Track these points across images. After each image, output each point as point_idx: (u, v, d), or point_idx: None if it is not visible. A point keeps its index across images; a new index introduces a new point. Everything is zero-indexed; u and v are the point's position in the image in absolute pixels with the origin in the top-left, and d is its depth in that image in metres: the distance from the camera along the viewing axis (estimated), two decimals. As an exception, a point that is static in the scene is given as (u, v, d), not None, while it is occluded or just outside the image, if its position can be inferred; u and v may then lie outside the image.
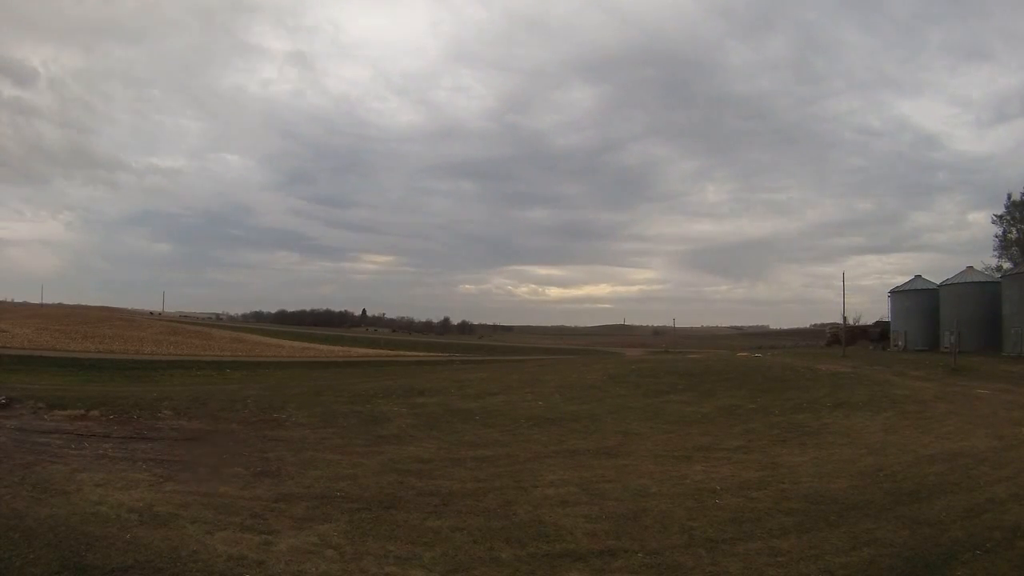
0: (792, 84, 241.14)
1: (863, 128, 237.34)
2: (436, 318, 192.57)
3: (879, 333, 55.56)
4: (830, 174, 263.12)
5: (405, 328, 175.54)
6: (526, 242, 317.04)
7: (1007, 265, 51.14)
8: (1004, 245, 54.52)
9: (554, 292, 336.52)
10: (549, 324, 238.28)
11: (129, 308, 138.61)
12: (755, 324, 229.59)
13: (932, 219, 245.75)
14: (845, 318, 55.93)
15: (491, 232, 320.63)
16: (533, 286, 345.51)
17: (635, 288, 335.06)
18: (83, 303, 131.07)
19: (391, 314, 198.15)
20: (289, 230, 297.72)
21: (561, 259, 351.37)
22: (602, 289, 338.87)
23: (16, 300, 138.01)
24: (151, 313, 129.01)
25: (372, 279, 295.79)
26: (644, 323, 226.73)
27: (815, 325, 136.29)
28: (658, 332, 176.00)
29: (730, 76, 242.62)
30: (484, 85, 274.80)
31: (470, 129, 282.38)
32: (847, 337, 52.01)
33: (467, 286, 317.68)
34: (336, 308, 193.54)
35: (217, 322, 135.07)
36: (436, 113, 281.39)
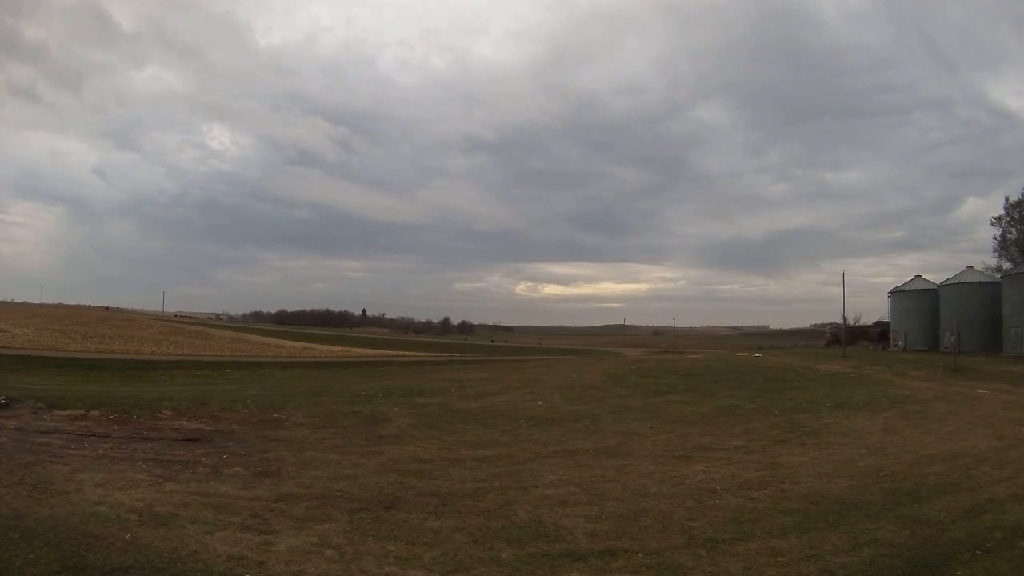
0: (880, 44, 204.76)
1: (943, 101, 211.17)
2: (435, 318, 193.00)
3: (879, 333, 55.53)
4: (899, 154, 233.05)
5: (405, 328, 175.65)
6: (542, 234, 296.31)
7: (1007, 265, 51.18)
8: (1004, 245, 54.61)
9: (557, 291, 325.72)
10: (549, 324, 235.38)
11: (129, 308, 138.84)
12: (755, 324, 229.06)
13: (985, 208, 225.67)
14: (845, 318, 55.94)
15: (503, 222, 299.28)
16: (531, 283, 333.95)
17: (644, 286, 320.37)
18: (83, 303, 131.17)
19: (390, 314, 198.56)
20: (274, 220, 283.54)
21: (576, 255, 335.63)
22: (608, 288, 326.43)
23: (16, 300, 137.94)
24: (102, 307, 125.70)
25: (367, 276, 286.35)
26: (644, 323, 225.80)
27: (815, 325, 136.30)
28: (658, 332, 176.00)
29: (823, 29, 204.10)
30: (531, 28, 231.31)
31: (502, 90, 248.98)
32: (847, 337, 51.99)
33: (464, 283, 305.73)
34: (336, 308, 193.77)
35: (217, 322, 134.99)
36: (464, 65, 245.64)
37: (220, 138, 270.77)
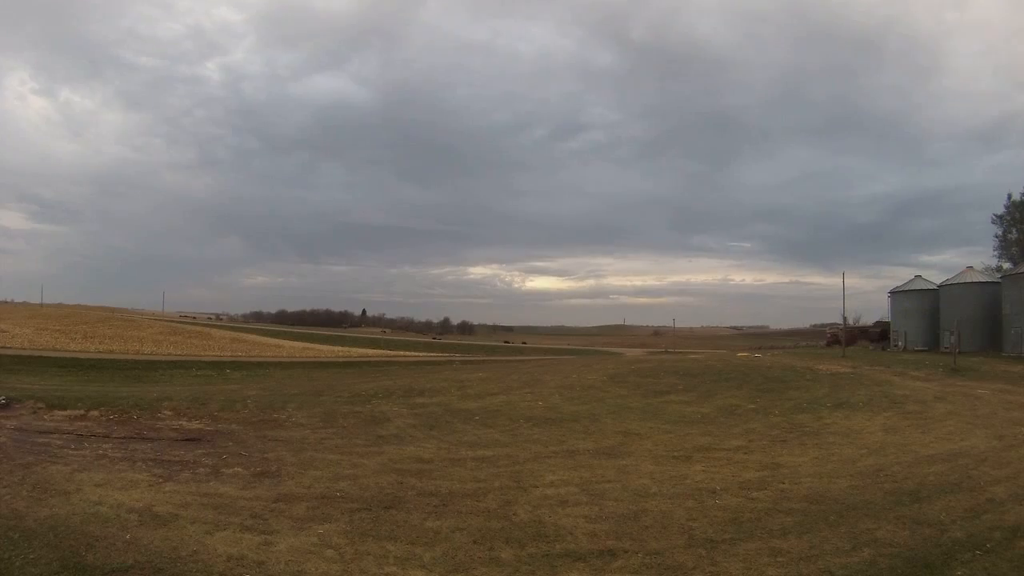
0: None
1: None
2: (436, 318, 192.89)
3: (879, 333, 55.48)
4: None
5: (405, 328, 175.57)
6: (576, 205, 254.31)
7: (1007, 265, 51.20)
8: (1004, 245, 54.63)
9: (560, 287, 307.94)
10: (549, 324, 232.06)
11: (129, 308, 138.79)
12: (755, 324, 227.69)
13: None
14: (845, 318, 55.93)
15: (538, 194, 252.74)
16: (521, 276, 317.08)
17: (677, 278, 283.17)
18: (83, 303, 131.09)
19: (390, 314, 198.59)
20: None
21: (603, 248, 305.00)
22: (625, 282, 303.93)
23: (16, 300, 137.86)
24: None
25: (356, 271, 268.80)
26: (645, 323, 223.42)
27: (815, 325, 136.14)
28: (658, 332, 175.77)
29: None
30: None
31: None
32: (847, 337, 51.99)
33: (459, 275, 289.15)
34: (336, 308, 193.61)
35: (217, 322, 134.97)
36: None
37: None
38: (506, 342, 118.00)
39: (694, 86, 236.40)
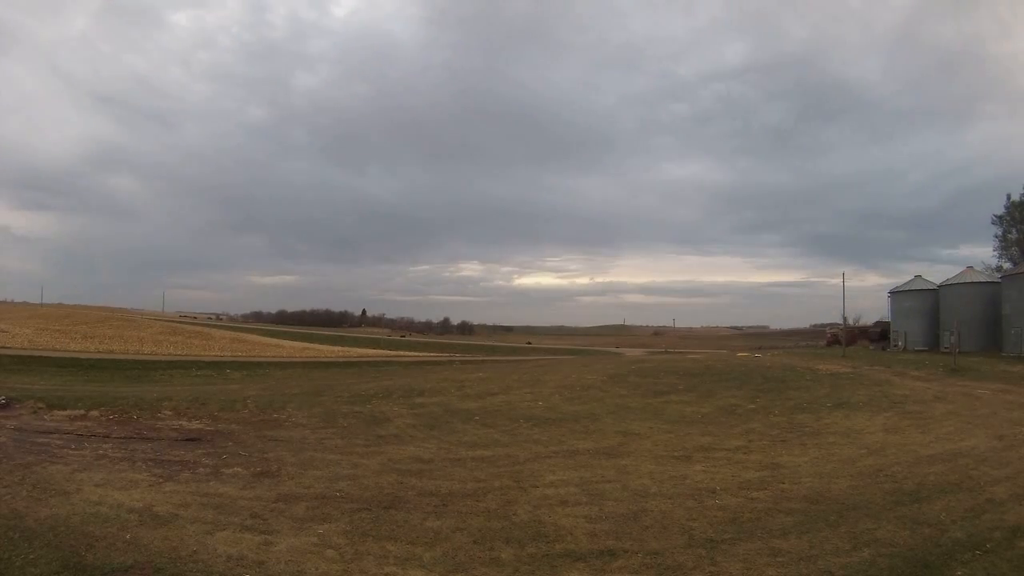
0: None
1: None
2: (436, 317, 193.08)
3: (879, 333, 55.47)
4: None
5: (406, 328, 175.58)
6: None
7: (1007, 265, 51.23)
8: (1004, 245, 54.66)
9: (564, 284, 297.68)
10: (549, 324, 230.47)
11: (129, 308, 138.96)
12: (755, 324, 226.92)
13: None
14: (845, 318, 55.95)
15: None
16: (520, 273, 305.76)
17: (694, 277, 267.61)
18: (83, 303, 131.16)
19: (391, 314, 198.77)
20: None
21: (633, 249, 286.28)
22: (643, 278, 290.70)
23: (16, 300, 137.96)
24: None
25: (357, 270, 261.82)
26: (645, 323, 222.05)
27: (815, 325, 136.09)
28: (658, 332, 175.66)
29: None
30: None
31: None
32: (847, 337, 51.99)
33: (463, 272, 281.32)
34: (336, 308, 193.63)
35: (217, 322, 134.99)
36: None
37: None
38: (528, 343, 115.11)
39: (797, 25, 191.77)
